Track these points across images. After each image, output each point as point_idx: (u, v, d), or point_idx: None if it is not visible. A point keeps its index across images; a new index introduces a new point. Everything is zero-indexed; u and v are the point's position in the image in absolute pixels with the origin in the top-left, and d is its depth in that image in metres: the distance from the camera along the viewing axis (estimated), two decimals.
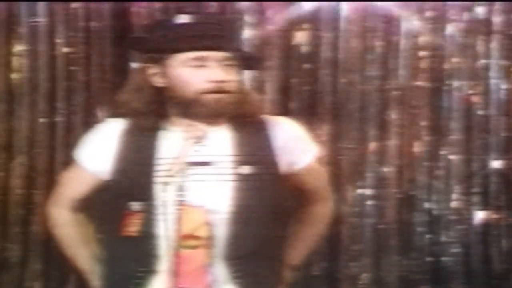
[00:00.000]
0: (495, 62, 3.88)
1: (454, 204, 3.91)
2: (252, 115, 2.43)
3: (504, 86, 3.89)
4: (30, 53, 3.80)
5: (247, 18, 3.80)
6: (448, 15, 3.86)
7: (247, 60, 2.48)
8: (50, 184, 3.68)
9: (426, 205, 3.91)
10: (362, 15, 3.83)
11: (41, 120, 3.82)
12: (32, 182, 3.82)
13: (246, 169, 2.35)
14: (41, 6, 3.79)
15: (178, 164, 2.32)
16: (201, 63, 2.32)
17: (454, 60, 3.87)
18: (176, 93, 2.35)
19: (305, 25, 3.84)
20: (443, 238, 3.91)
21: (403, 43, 3.85)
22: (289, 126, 2.48)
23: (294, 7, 3.82)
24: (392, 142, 3.88)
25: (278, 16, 3.82)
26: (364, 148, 3.87)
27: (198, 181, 2.33)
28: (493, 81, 3.89)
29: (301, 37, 3.85)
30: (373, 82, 3.85)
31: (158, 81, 2.38)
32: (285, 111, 3.68)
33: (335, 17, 3.83)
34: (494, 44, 3.87)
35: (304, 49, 3.84)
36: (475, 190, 3.92)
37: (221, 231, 2.33)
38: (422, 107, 3.87)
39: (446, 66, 3.87)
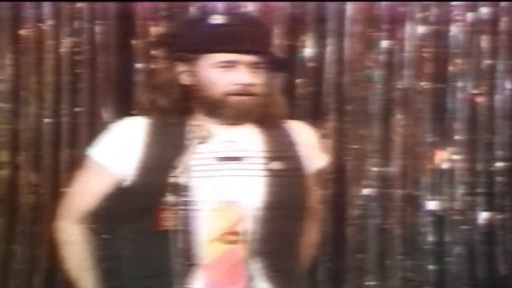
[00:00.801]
0: (500, 63, 3.87)
1: (458, 204, 3.91)
2: (277, 118, 2.46)
3: (509, 86, 3.88)
4: (35, 54, 3.81)
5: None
6: (452, 16, 3.85)
7: (275, 63, 2.48)
8: (56, 185, 3.72)
9: (430, 205, 3.90)
10: (367, 15, 3.83)
11: (46, 120, 3.83)
12: (38, 183, 3.82)
13: (277, 165, 2.37)
14: (46, 7, 3.80)
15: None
16: (230, 65, 2.34)
17: (459, 60, 3.86)
18: (203, 92, 2.37)
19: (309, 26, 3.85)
20: (447, 239, 3.90)
21: (408, 43, 3.85)
22: (307, 131, 2.53)
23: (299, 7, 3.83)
24: (397, 143, 3.88)
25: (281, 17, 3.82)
26: (368, 149, 3.87)
27: (231, 176, 2.34)
28: (497, 82, 3.88)
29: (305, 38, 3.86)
30: (377, 83, 3.85)
31: (186, 80, 2.39)
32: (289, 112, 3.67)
33: (339, 17, 3.83)
34: (499, 45, 3.86)
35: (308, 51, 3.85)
36: (479, 190, 3.91)
37: (255, 226, 2.34)
38: (426, 107, 3.87)
39: (450, 66, 3.87)
